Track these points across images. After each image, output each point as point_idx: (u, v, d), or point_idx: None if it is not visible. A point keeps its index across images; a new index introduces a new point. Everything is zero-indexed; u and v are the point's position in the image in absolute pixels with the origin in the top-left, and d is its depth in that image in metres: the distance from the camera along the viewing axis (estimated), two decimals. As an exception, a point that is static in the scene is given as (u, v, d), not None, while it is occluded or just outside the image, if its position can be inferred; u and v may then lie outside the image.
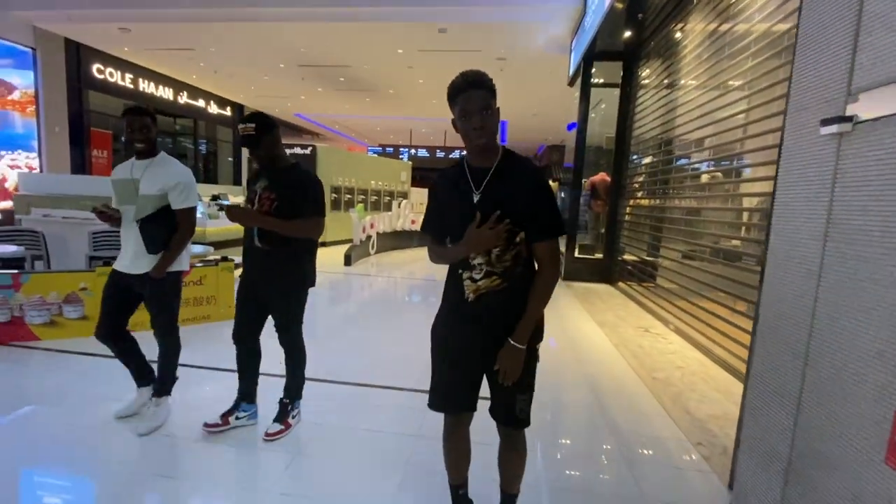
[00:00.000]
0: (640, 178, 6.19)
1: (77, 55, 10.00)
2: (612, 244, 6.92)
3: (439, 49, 8.42)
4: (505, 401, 1.42)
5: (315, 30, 8.08)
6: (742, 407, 1.68)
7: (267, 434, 2.21)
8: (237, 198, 10.53)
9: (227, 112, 15.05)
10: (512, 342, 1.34)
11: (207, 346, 3.43)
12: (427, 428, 2.33)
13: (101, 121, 10.86)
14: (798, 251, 1.40)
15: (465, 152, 1.43)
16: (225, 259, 4.07)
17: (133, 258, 2.20)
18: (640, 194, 6.25)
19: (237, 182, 15.12)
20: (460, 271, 1.41)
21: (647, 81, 6.08)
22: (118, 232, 2.28)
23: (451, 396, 1.47)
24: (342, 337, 4.04)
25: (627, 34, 5.99)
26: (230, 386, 2.41)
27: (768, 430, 1.49)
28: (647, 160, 5.90)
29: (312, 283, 2.33)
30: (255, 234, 2.14)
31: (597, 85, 6.98)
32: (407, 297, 6.19)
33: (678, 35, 4.98)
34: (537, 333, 1.42)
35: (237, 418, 2.30)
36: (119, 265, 2.25)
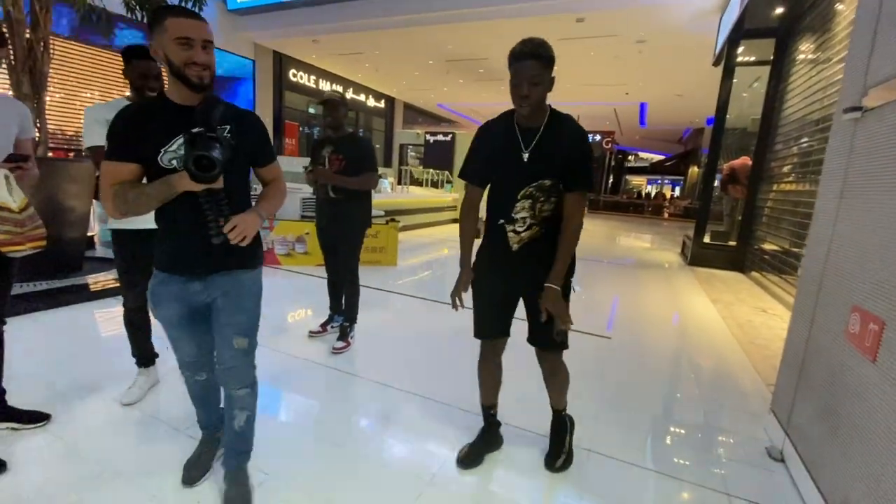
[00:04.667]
0: (791, 162, 5.84)
1: (280, 64, 12.79)
2: (747, 231, 6.66)
3: (576, 37, 8.76)
4: (545, 328, 1.53)
5: (463, 29, 9.14)
6: (787, 331, 2.14)
7: (334, 348, 2.70)
8: (391, 177, 12.36)
9: (381, 105, 17.33)
10: (551, 285, 1.44)
11: (379, 277, 4.72)
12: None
13: (291, 115, 13.71)
14: (827, 206, 1.84)
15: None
16: (393, 219, 5.37)
17: None
18: (788, 179, 5.92)
19: (387, 164, 17.40)
20: (502, 222, 1.51)
21: (802, 57, 5.70)
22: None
23: (490, 325, 1.64)
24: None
25: (780, 10, 5.68)
26: (390, 300, 3.51)
27: (795, 342, 1.97)
28: (800, 142, 5.58)
29: (369, 225, 2.84)
30: (329, 188, 2.63)
31: (743, 63, 6.67)
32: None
33: (840, 6, 4.69)
34: (570, 268, 1.54)
35: (332, 326, 2.98)
36: None
